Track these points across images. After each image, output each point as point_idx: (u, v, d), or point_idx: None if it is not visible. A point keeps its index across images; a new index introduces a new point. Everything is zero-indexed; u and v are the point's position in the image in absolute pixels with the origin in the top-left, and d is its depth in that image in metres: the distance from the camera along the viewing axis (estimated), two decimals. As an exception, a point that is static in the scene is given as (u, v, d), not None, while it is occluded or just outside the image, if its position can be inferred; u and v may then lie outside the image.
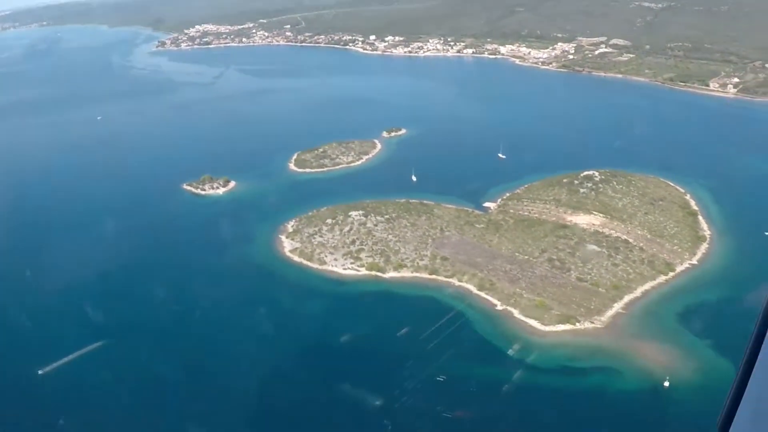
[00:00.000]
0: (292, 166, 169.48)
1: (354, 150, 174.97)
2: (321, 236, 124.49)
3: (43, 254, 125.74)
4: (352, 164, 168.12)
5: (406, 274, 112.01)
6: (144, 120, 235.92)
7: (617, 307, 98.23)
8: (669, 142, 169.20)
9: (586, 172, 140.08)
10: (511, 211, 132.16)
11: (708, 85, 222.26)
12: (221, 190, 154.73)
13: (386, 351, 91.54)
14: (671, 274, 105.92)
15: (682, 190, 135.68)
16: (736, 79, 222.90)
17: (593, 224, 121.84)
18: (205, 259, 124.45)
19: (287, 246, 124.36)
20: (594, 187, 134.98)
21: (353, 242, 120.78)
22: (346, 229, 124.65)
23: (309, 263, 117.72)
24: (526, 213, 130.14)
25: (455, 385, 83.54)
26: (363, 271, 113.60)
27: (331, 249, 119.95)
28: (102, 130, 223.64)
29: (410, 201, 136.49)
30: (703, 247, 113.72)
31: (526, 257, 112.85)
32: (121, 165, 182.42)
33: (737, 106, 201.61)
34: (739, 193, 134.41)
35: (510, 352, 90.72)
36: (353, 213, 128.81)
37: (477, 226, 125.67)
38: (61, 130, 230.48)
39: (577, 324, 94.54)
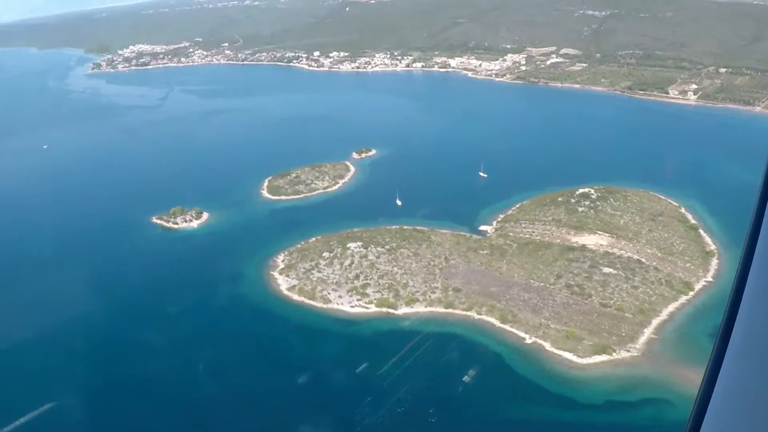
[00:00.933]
0: (265, 193, 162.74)
1: (328, 174, 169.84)
2: (319, 271, 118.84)
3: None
4: (329, 189, 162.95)
5: (419, 309, 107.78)
6: (94, 146, 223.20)
7: (648, 332, 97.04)
8: (649, 153, 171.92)
9: (581, 190, 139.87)
10: (511, 234, 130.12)
11: (668, 93, 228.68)
12: (195, 223, 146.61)
13: (424, 396, 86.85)
14: (691, 293, 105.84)
15: (676, 204, 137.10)
16: (694, 86, 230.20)
17: (601, 244, 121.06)
18: (192, 303, 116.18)
19: (283, 283, 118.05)
20: (592, 205, 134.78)
21: (357, 277, 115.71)
22: (347, 262, 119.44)
23: (312, 302, 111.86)
24: (527, 236, 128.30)
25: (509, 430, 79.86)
26: (373, 308, 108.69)
27: (334, 285, 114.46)
28: (50, 160, 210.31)
29: (404, 228, 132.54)
30: (714, 262, 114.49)
31: (542, 284, 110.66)
32: (79, 198, 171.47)
33: (702, 113, 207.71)
34: (729, 202, 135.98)
35: (551, 389, 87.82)
36: (352, 245, 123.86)
37: (481, 252, 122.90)
38: (3, 160, 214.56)
39: (614, 354, 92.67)
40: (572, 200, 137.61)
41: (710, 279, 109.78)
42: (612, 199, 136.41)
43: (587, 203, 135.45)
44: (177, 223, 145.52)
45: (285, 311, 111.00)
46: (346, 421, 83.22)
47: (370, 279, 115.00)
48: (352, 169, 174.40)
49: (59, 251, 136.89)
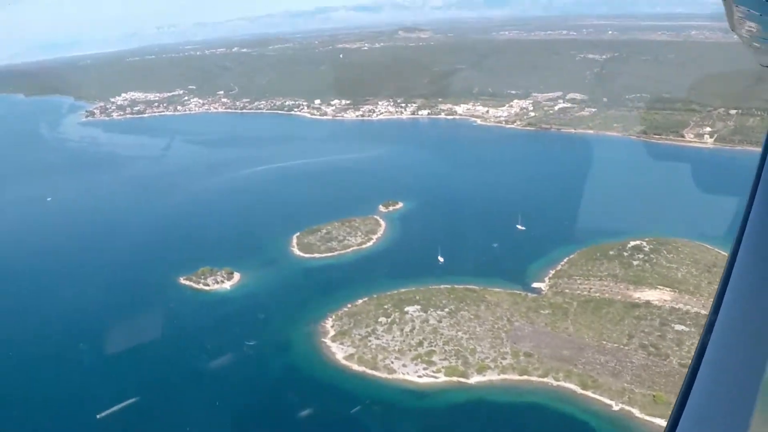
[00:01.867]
0: (296, 250, 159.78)
1: (359, 229, 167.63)
2: (377, 338, 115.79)
3: (24, 388, 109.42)
4: (363, 246, 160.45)
5: (492, 376, 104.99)
6: (100, 199, 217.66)
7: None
8: (686, 200, 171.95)
9: (633, 243, 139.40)
10: (567, 291, 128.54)
11: (683, 136, 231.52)
12: (227, 284, 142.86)
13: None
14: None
15: (725, 253, 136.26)
16: (708, 128, 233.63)
17: (664, 300, 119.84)
18: (241, 375, 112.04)
19: (338, 352, 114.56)
20: (646, 258, 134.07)
21: (420, 344, 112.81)
22: (407, 328, 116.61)
23: (375, 372, 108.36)
24: (585, 292, 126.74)
25: None
26: (442, 378, 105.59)
27: (397, 353, 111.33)
28: (55, 213, 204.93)
29: (455, 287, 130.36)
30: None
31: (615, 345, 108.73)
32: (95, 258, 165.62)
33: (722, 156, 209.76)
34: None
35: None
36: (409, 308, 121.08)
37: (542, 312, 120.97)
38: (3, 213, 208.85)
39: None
40: (625, 254, 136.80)
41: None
42: (665, 251, 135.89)
43: (641, 256, 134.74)
44: (208, 284, 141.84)
45: (346, 383, 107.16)
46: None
47: (435, 345, 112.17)
48: (383, 223, 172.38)
49: (81, 324, 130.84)
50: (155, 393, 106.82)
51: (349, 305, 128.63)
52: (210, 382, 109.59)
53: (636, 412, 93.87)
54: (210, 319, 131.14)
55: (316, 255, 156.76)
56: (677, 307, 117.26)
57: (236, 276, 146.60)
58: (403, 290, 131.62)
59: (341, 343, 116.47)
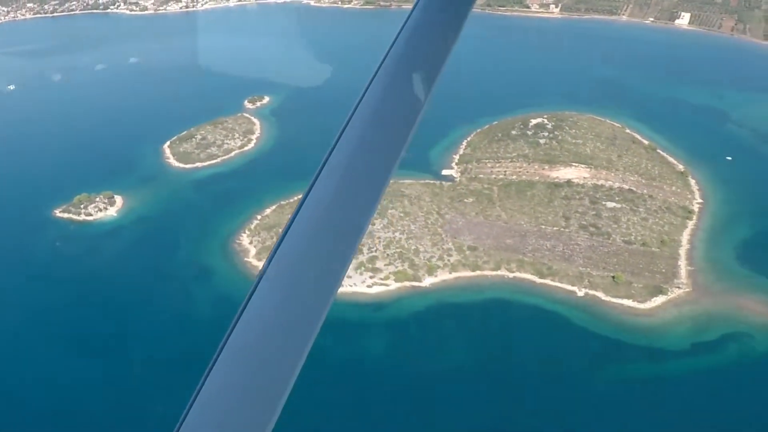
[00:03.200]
0: (173, 161, 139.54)
1: (235, 130, 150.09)
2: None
3: None
4: (246, 149, 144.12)
5: (444, 276, 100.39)
6: None
7: (683, 264, 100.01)
8: (553, 71, 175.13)
9: (535, 120, 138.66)
10: (481, 176, 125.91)
11: (529, 7, 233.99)
12: (112, 211, 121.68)
13: (507, 373, 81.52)
14: (694, 217, 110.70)
15: (619, 125, 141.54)
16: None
17: (584, 177, 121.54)
18: (173, 313, 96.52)
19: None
20: (551, 135, 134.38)
21: (359, 251, 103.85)
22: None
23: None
24: (501, 176, 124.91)
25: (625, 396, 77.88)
26: (394, 285, 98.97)
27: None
28: None
29: (398, 182, 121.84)
30: (692, 182, 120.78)
31: (555, 228, 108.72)
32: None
33: (573, 25, 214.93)
34: (664, 118, 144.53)
35: (631, 341, 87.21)
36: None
37: (467, 201, 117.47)
38: None
39: (669, 293, 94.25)
40: (528, 132, 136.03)
41: (700, 200, 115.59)
42: (567, 127, 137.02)
43: (546, 134, 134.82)
44: (91, 214, 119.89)
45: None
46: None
47: (375, 251, 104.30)
48: (256, 121, 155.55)
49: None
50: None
51: (259, 216, 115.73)
52: (142, 328, 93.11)
53: (601, 295, 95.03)
54: (109, 253, 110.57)
55: (199, 164, 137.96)
56: (599, 183, 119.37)
57: (118, 200, 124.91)
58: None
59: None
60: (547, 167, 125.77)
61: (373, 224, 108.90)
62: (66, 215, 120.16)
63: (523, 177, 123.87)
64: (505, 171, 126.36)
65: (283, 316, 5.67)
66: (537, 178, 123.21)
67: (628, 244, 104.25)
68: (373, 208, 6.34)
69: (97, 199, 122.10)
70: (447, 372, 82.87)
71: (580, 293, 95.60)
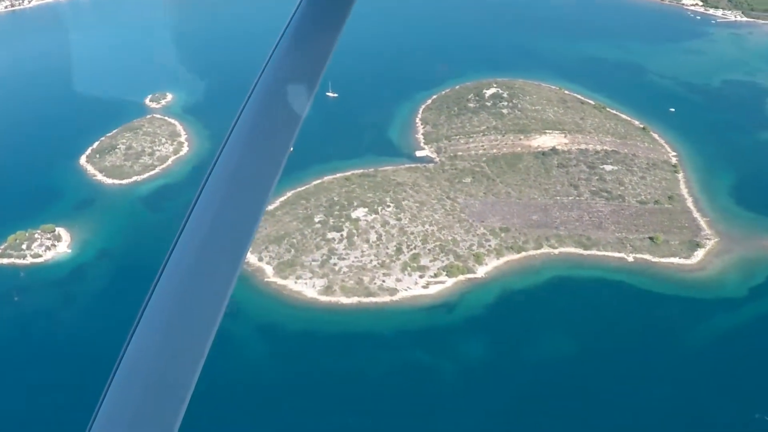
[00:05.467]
0: (102, 178, 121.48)
1: (158, 134, 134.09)
2: (341, 258, 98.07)
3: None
4: (182, 154, 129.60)
5: (494, 263, 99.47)
6: None
7: (699, 217, 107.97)
8: (467, 40, 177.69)
9: (489, 91, 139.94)
10: (460, 153, 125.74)
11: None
12: (63, 247, 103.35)
13: (614, 346, 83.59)
14: (681, 171, 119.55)
15: (556, 87, 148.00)
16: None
17: (564, 143, 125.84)
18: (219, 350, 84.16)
19: (304, 290, 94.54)
20: (511, 104, 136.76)
21: (398, 251, 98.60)
22: (373, 237, 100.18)
23: (372, 299, 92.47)
24: (481, 151, 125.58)
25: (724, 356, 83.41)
26: (449, 281, 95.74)
27: (382, 269, 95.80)
28: None
29: (348, 175, 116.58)
30: (656, 137, 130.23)
31: (570, 198, 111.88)
32: None
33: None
34: (592, 77, 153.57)
35: (700, 296, 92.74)
36: (356, 213, 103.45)
37: (465, 181, 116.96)
38: None
39: (704, 246, 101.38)
40: (487, 104, 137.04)
41: (673, 153, 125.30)
42: (520, 94, 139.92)
43: (505, 103, 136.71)
44: (40, 255, 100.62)
45: (350, 327, 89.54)
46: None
47: (414, 247, 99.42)
48: (175, 122, 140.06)
49: None
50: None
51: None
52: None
53: (649, 257, 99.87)
54: (87, 300, 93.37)
55: (137, 178, 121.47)
56: (582, 148, 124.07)
57: (63, 233, 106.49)
58: (285, 196, 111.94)
59: (297, 279, 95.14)
60: (522, 137, 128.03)
61: (398, 219, 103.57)
62: (6, 260, 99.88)
63: (504, 150, 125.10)
64: (482, 146, 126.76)
65: (181, 319, 5.87)
66: (519, 149, 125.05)
67: (642, 204, 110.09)
68: (261, 210, 6.50)
69: (36, 235, 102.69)
70: (569, 357, 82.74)
71: (630, 258, 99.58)
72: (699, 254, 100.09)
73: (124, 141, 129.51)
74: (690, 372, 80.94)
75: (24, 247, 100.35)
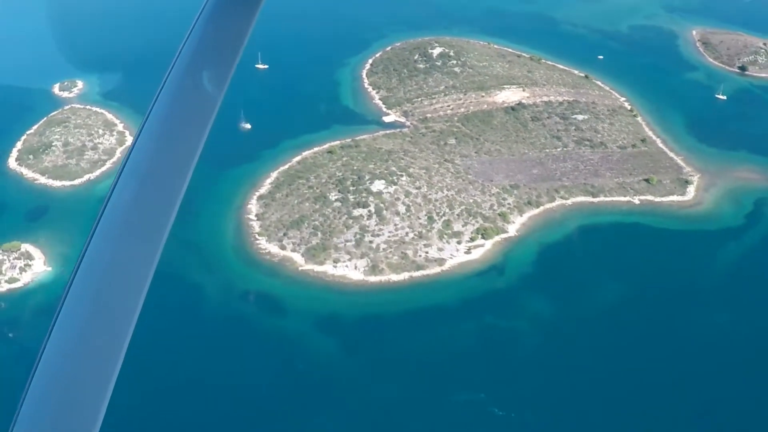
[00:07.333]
0: (49, 181, 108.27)
1: (90, 126, 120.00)
2: (375, 235, 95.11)
3: None
4: (128, 145, 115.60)
5: (521, 221, 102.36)
6: None
7: (674, 156, 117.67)
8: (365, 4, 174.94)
9: (436, 51, 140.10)
10: (429, 115, 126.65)
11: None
12: (39, 266, 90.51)
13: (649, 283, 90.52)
14: (637, 114, 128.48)
15: (484, 42, 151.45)
16: None
17: (527, 96, 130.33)
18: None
19: (352, 274, 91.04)
20: (460, 62, 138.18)
21: (430, 220, 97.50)
22: (402, 209, 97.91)
23: (424, 272, 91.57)
24: (449, 111, 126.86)
25: None
26: (487, 243, 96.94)
27: (420, 240, 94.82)
28: None
29: (333, 146, 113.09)
30: (601, 84, 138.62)
31: (558, 150, 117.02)
32: None
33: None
34: (510, 30, 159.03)
35: (706, 227, 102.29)
36: (376, 187, 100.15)
37: (450, 142, 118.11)
38: None
39: (694, 182, 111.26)
40: (437, 63, 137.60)
41: (623, 98, 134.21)
42: (464, 52, 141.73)
43: (454, 62, 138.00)
44: (16, 278, 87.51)
45: (403, 302, 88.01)
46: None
47: (443, 214, 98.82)
48: (102, 111, 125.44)
49: None
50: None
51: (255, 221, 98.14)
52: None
53: (652, 198, 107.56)
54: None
55: (89, 176, 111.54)
56: (546, 100, 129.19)
57: (33, 251, 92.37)
58: (270, 177, 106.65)
59: (335, 263, 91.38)
60: (484, 94, 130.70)
61: (419, 188, 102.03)
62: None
63: (472, 108, 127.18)
64: (448, 106, 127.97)
65: (96, 318, 6.10)
66: (485, 106, 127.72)
67: (622, 149, 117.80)
68: (175, 205, 6.64)
69: (1, 257, 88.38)
70: (632, 298, 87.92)
71: (636, 201, 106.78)
72: (691, 190, 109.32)
73: (57, 137, 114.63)
74: (743, 293, 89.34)
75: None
